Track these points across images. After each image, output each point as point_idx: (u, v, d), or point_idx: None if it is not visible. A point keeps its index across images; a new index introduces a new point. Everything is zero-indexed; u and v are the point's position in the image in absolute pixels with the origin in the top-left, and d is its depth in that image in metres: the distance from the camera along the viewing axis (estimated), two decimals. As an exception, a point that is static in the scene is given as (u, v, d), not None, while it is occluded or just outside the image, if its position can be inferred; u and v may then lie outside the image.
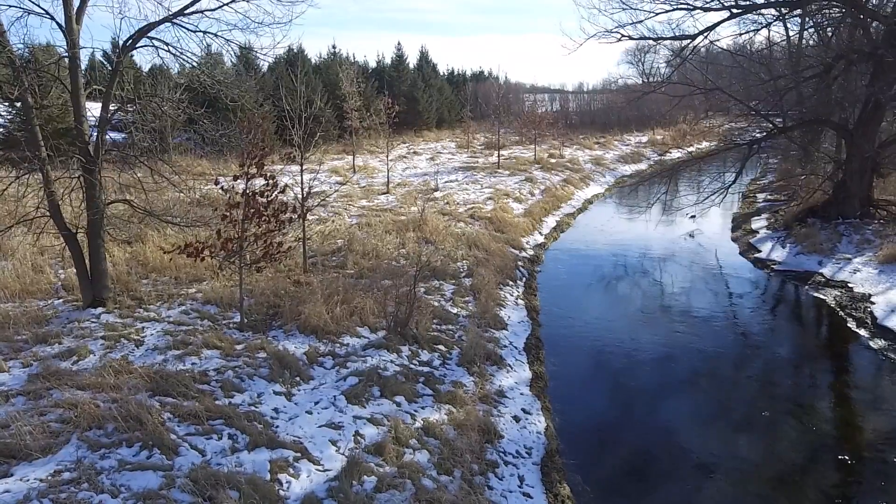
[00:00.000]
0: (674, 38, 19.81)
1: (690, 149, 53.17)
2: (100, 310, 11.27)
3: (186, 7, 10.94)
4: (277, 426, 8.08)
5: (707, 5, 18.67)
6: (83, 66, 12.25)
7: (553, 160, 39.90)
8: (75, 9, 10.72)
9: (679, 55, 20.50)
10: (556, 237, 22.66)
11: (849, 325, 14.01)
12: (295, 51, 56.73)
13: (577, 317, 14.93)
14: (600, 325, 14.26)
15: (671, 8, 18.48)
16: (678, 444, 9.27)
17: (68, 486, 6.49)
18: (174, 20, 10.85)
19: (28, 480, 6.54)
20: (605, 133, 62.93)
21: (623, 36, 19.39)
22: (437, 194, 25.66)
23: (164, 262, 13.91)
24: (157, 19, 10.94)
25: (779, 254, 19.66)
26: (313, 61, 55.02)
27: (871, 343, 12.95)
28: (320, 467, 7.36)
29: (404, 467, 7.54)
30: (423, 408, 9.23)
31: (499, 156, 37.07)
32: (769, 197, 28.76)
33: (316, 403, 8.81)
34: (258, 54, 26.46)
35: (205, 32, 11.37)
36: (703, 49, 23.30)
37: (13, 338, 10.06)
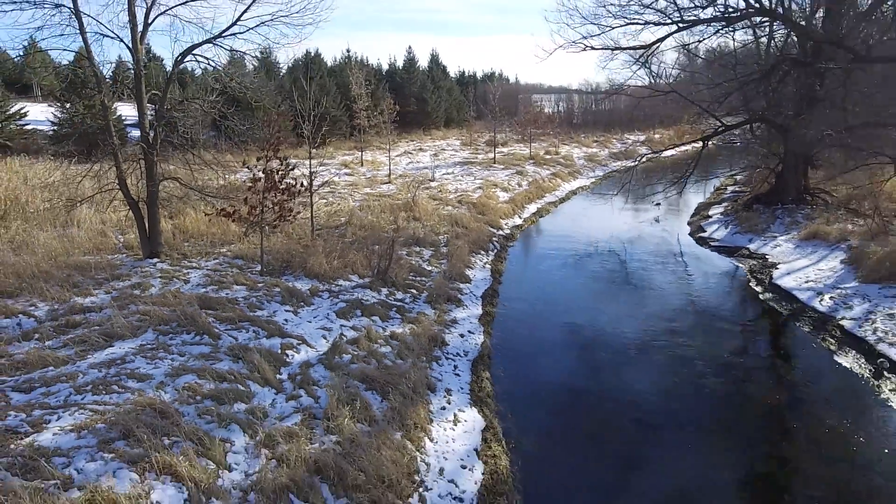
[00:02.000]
0: (631, 48, 23.07)
1: (686, 147, 55.92)
2: (156, 260, 14.90)
3: (223, 32, 14.56)
4: (287, 328, 11.60)
5: (658, 21, 21.89)
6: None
7: (548, 156, 43.17)
8: (139, 33, 14.36)
9: (637, 61, 23.72)
10: (535, 221, 25.99)
11: (750, 284, 17.21)
12: (312, 54, 60.67)
13: (535, 278, 18.30)
14: (553, 283, 17.63)
15: (626, 23, 21.72)
16: (584, 360, 12.60)
17: (151, 351, 10.05)
18: (213, 41, 14.46)
19: (123, 349, 10.10)
20: (607, 132, 65.87)
21: (587, 46, 22.66)
22: (433, 184, 29.11)
23: (201, 230, 17.56)
24: (201, 41, 14.57)
25: (720, 234, 22.83)
26: (329, 63, 58.79)
27: (760, 296, 16.17)
28: (314, 349, 10.87)
29: (372, 353, 11.00)
30: (392, 324, 12.70)
31: (495, 152, 40.35)
32: (735, 188, 31.85)
33: (314, 318, 12.32)
34: (277, 64, 29.87)
35: (234, 50, 14.99)
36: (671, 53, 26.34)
37: (95, 276, 13.71)
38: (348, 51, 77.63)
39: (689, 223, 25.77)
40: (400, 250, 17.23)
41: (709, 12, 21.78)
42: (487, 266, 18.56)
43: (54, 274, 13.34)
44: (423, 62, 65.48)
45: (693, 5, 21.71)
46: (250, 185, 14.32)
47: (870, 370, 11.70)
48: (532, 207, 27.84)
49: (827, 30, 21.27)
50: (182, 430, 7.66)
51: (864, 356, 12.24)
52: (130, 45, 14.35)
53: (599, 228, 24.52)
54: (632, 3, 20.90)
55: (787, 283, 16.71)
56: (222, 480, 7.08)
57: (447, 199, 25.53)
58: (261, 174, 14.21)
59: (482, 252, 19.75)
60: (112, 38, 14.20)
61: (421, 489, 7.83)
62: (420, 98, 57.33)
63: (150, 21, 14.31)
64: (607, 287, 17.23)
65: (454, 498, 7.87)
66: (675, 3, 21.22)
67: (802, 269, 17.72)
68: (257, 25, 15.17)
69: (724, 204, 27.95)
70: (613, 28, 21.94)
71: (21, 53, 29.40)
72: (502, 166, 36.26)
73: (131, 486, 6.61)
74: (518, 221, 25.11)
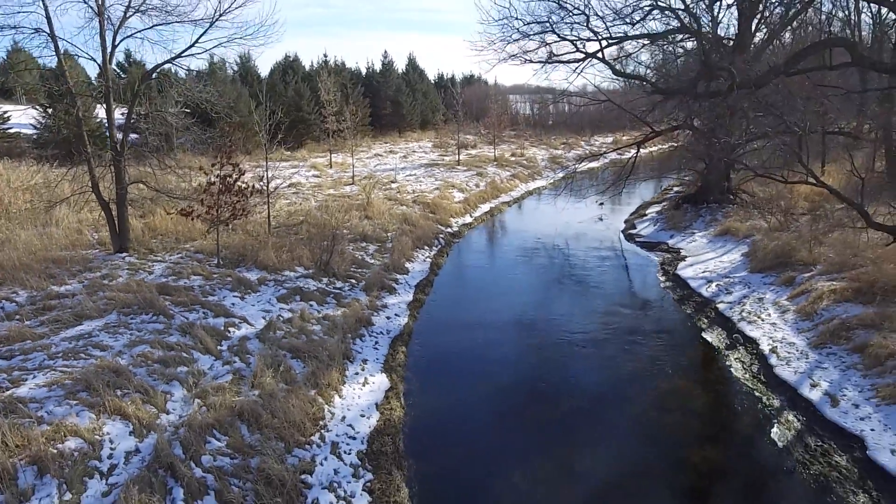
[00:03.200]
0: (567, 61, 25.24)
1: (652, 149, 58.38)
2: (125, 255, 16.86)
3: (181, 53, 16.56)
4: (233, 310, 13.62)
5: (589, 38, 24.07)
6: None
7: (513, 158, 45.38)
8: (109, 54, 16.32)
9: (575, 71, 25.92)
10: (485, 220, 28.14)
11: (657, 274, 19.44)
12: (291, 58, 62.43)
13: (470, 271, 20.43)
14: (485, 275, 19.76)
15: (559, 39, 23.89)
16: (494, 337, 14.71)
17: (114, 328, 12.05)
18: (173, 62, 16.46)
19: (91, 327, 12.09)
20: (577, 134, 68.17)
21: (526, 60, 24.79)
22: (394, 185, 31.17)
23: (169, 228, 19.50)
24: (163, 61, 16.55)
25: (647, 231, 25.08)
26: (308, 66, 60.52)
27: (661, 284, 18.40)
28: (253, 327, 12.93)
29: (303, 330, 13.07)
30: (326, 308, 14.77)
31: (459, 154, 42.45)
32: (679, 189, 34.14)
33: (258, 302, 14.37)
34: (256, 69, 31.60)
35: (190, 70, 16.98)
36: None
37: (71, 268, 15.65)
38: (325, 55, 79.32)
39: (625, 221, 28.00)
40: (346, 245, 19.30)
41: (637, 29, 24.02)
42: (428, 260, 20.65)
43: (34, 267, 15.25)
44: (402, 63, 67.34)
45: (623, 22, 23.93)
46: (205, 188, 16.32)
47: (725, 343, 13.93)
48: (485, 207, 29.97)
49: (739, 45, 23.54)
50: (132, 384, 9.69)
51: (726, 332, 14.47)
52: (101, 65, 16.31)
53: (543, 226, 26.67)
54: (564, 21, 23.04)
55: (686, 273, 18.94)
56: (160, 420, 9.13)
57: (404, 199, 27.59)
58: (214, 179, 16.20)
59: (426, 247, 21.84)
60: (86, 58, 16.15)
61: (323, 430, 9.91)
62: (395, 101, 59.34)
63: (116, 43, 16.25)
64: (534, 278, 19.39)
65: (349, 437, 9.96)
66: (605, 23, 23.43)
67: (706, 261, 19.97)
68: (214, 47, 17.22)
69: (663, 203, 30.22)
70: (549, 44, 24.09)
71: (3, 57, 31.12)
72: (465, 168, 38.39)
73: (89, 422, 8.65)
74: (468, 220, 27.22)
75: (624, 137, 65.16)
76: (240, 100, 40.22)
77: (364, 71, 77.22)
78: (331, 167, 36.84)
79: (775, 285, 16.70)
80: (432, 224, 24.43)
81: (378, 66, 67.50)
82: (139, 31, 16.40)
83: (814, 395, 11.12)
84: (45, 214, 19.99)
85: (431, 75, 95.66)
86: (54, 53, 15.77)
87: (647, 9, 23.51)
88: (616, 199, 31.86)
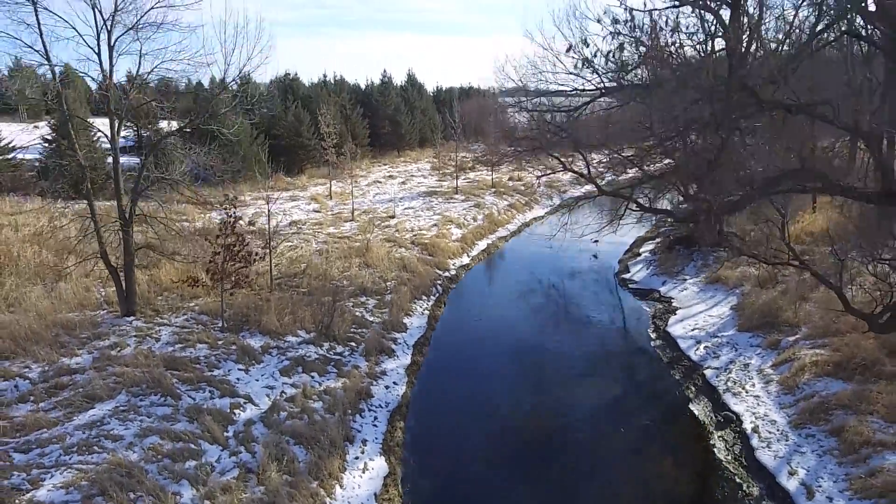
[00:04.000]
0: (560, 110, 25.93)
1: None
2: (132, 318, 17.42)
3: (185, 125, 17.11)
4: (238, 386, 14.20)
5: (584, 88, 24.69)
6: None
7: (511, 183, 45.94)
8: (116, 128, 16.88)
9: (570, 116, 26.58)
10: (482, 259, 28.71)
11: (648, 330, 20.03)
12: (291, 76, 62.94)
13: (467, 322, 21.01)
14: (478, 329, 20.34)
15: (557, 89, 24.51)
16: (488, 412, 15.29)
17: (123, 413, 12.61)
18: (182, 131, 17.02)
19: (102, 411, 12.65)
20: (577, 151, 68.52)
21: (522, 108, 25.40)
22: (393, 221, 31.74)
23: (173, 281, 20.04)
24: (174, 130, 17.10)
25: (640, 274, 25.67)
26: (309, 81, 61.01)
27: (652, 342, 19.01)
28: (258, 407, 13.49)
29: (305, 409, 13.63)
30: (327, 379, 15.34)
31: (457, 179, 42.94)
32: (671, 224, 34.71)
33: (262, 375, 14.94)
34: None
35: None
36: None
37: (80, 335, 16.21)
38: (324, 76, 79.79)
39: (619, 261, 28.57)
40: (346, 301, 19.87)
41: (630, 77, 24.62)
42: (426, 312, 21.21)
43: (44, 335, 15.81)
44: (400, 77, 67.80)
45: (617, 72, 24.52)
46: (211, 258, 16.89)
47: (711, 418, 14.51)
48: (482, 244, 30.53)
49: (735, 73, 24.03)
50: (145, 486, 10.25)
51: (712, 404, 15.06)
52: (109, 136, 16.89)
53: (536, 267, 27.24)
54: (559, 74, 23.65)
55: (676, 330, 19.53)
56: (172, 527, 9.70)
57: (402, 239, 28.15)
58: (219, 249, 16.76)
59: (424, 297, 22.40)
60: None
61: (325, 528, 10.49)
62: (394, 121, 59.90)
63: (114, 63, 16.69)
64: (527, 335, 19.97)
65: (350, 535, 10.54)
66: (598, 74, 24.00)
67: (696, 314, 20.55)
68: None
69: (657, 240, 30.79)
70: (542, 94, 24.70)
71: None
72: (462, 197, 38.94)
73: (105, 533, 9.22)
74: (465, 261, 27.79)
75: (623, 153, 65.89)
76: (240, 130, 40.68)
77: (363, 84, 77.74)
78: (331, 198, 37.38)
79: (761, 348, 17.29)
80: (430, 269, 24.99)
81: (379, 77, 68.14)
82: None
83: (791, 485, 11.70)
84: (54, 270, 20.66)
85: (430, 86, 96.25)
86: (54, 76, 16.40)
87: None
88: (613, 232, 32.38)
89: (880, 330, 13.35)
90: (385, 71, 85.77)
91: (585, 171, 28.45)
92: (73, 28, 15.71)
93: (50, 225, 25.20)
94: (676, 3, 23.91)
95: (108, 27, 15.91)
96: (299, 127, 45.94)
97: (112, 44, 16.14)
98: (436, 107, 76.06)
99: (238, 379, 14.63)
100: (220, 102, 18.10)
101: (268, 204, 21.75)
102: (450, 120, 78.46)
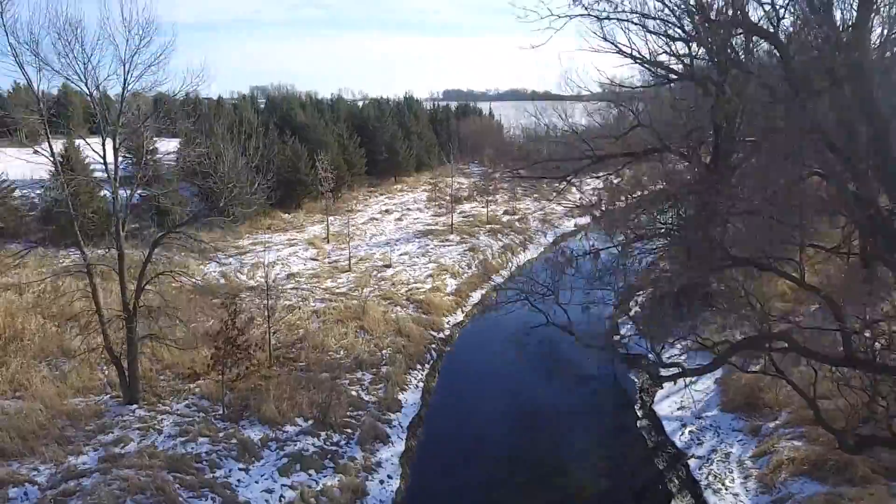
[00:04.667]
0: (554, 177, 26.73)
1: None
2: (135, 407, 18.01)
3: (182, 224, 17.69)
4: (238, 491, 14.81)
5: (579, 157, 25.39)
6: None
7: (506, 217, 46.60)
8: (122, 221, 17.46)
9: (567, 182, 27.33)
10: (475, 313, 29.33)
11: (636, 407, 20.69)
12: (290, 103, 63.42)
13: (459, 395, 21.65)
14: (471, 400, 20.99)
15: (549, 159, 25.22)
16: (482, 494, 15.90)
17: (129, 528, 13.21)
18: (175, 232, 17.61)
19: (109, 524, 13.25)
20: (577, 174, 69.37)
21: (517, 176, 26.05)
22: (389, 272, 32.34)
23: (175, 361, 20.63)
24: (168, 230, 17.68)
25: (630, 335, 26.26)
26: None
27: (638, 423, 19.67)
28: (257, 517, 14.11)
29: (303, 516, 14.25)
30: (324, 476, 15.96)
31: (452, 215, 43.46)
32: (663, 267, 35.35)
33: (262, 476, 15.55)
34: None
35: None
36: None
37: (85, 428, 16.80)
38: (319, 101, 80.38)
39: (612, 315, 29.17)
40: (343, 379, 20.52)
41: (618, 148, 25.33)
42: (420, 384, 21.84)
43: (51, 429, 16.42)
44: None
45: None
46: (212, 353, 17.50)
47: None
48: (476, 296, 31.15)
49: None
50: None
51: (694, 502, 15.72)
52: (115, 228, 17.49)
53: (527, 323, 27.76)
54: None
55: (663, 408, 20.20)
56: None
57: (398, 296, 28.74)
58: (220, 345, 17.37)
59: (419, 365, 23.03)
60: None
61: None
62: (391, 149, 60.45)
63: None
64: (515, 406, 20.67)
65: None
66: (590, 146, 24.71)
67: (682, 389, 21.18)
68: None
69: (648, 290, 31.39)
70: (537, 162, 25.46)
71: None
72: (457, 238, 39.54)
73: None
74: (459, 317, 28.41)
75: (616, 180, 66.57)
76: (233, 165, 41.12)
77: (361, 102, 78.29)
78: (328, 241, 37.94)
79: (743, 433, 17.98)
80: (424, 331, 25.59)
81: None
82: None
83: None
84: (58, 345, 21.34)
85: (426, 91, 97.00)
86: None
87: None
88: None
89: (850, 450, 13.98)
90: (381, 97, 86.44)
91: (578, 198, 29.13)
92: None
93: (52, 285, 25.88)
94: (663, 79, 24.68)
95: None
96: (297, 163, 46.45)
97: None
98: (432, 127, 76.82)
99: (239, 481, 15.23)
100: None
101: (267, 290, 22.07)
102: (446, 140, 79.61)
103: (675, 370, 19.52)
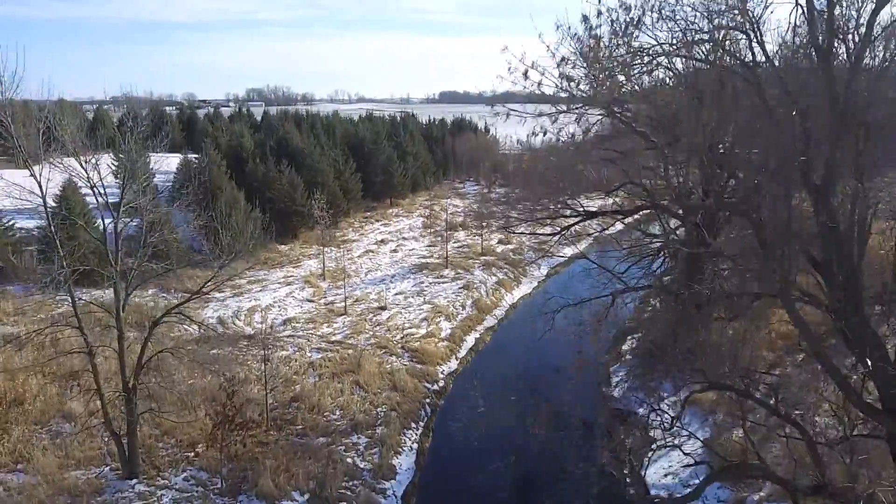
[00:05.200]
0: (547, 234, 27.13)
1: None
2: (134, 481, 18.41)
3: (186, 300, 18.13)
4: (236, 579, 15.25)
5: (570, 214, 25.84)
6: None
7: (500, 248, 47.07)
8: (122, 303, 17.86)
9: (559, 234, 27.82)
10: (468, 360, 29.80)
11: (625, 471, 21.18)
12: (286, 129, 63.79)
13: (452, 455, 22.12)
14: (464, 461, 21.46)
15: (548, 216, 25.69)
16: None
17: None
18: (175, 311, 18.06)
19: None
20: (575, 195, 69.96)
21: (513, 231, 26.50)
22: (384, 315, 32.77)
23: (173, 426, 21.03)
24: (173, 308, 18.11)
25: (620, 389, 26.82)
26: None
27: (629, 489, 20.16)
28: None
29: None
30: (320, 559, 16.41)
31: (447, 245, 43.86)
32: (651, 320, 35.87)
33: (259, 560, 16.00)
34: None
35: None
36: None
37: (86, 506, 17.23)
38: (314, 113, 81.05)
39: (603, 362, 29.67)
40: (339, 444, 20.97)
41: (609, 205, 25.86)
42: (415, 446, 22.29)
43: (53, 510, 16.84)
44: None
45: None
46: (211, 430, 17.94)
47: None
48: (470, 340, 31.62)
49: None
50: None
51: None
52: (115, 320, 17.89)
53: (519, 370, 28.29)
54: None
55: (651, 475, 20.73)
56: None
57: (393, 343, 29.17)
58: (218, 423, 17.81)
59: (413, 424, 23.49)
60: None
61: None
62: (387, 171, 60.89)
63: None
64: (506, 470, 21.10)
65: None
66: (581, 205, 25.24)
67: (671, 451, 21.68)
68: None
69: (639, 334, 31.91)
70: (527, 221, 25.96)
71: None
72: (452, 274, 40.01)
73: None
74: (453, 365, 28.87)
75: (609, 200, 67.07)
76: (229, 198, 41.42)
77: (357, 115, 78.46)
78: (324, 278, 38.34)
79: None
80: (419, 384, 26.06)
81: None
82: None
83: None
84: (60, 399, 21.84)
85: (422, 119, 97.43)
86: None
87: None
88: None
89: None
90: (371, 113, 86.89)
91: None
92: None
93: (52, 338, 26.22)
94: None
95: None
96: (293, 193, 46.81)
97: None
98: (427, 144, 77.24)
99: (237, 567, 15.67)
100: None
101: (265, 362, 22.38)
102: (441, 158, 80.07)
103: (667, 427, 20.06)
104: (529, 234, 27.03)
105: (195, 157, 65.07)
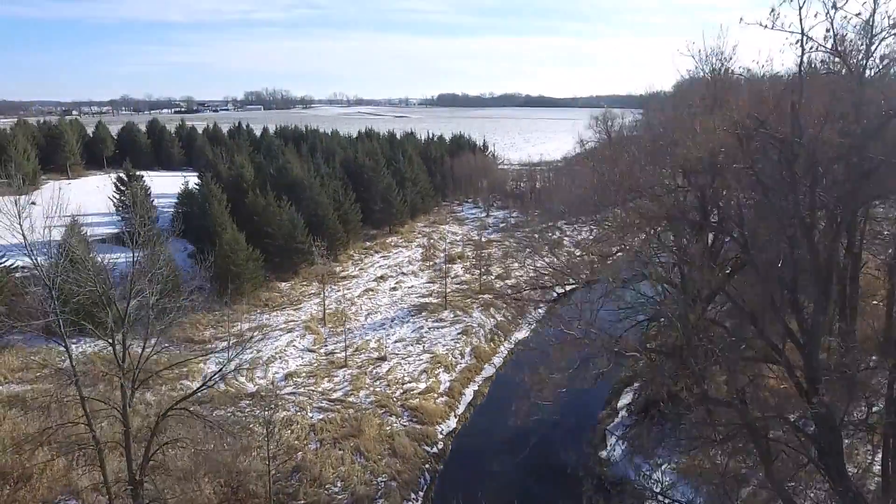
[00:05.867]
0: (545, 301, 27.55)
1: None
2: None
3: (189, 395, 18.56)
4: None
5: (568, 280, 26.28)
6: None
7: (499, 284, 47.56)
8: (129, 400, 18.31)
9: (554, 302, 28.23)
10: (467, 417, 30.29)
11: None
12: (285, 160, 64.10)
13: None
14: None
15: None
16: None
17: None
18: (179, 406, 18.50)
19: None
20: (570, 218, 70.57)
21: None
22: (384, 367, 33.21)
23: (179, 504, 21.50)
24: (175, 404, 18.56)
25: (616, 452, 27.32)
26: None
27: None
28: None
29: None
30: None
31: (446, 282, 44.30)
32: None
33: None
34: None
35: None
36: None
37: None
38: (314, 130, 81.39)
39: (598, 419, 30.18)
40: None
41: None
42: (413, 522, 22.80)
43: None
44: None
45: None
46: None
47: None
48: (469, 393, 32.11)
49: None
50: None
51: None
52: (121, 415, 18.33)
53: (516, 427, 28.68)
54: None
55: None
56: None
57: (392, 401, 29.63)
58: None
59: (413, 495, 23.99)
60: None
61: None
62: (386, 199, 61.34)
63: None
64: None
65: None
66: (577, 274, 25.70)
67: (665, 525, 22.21)
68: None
69: (635, 390, 32.39)
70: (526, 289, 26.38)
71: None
72: (451, 316, 40.49)
73: None
74: (452, 424, 29.35)
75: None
76: (231, 240, 41.78)
77: (355, 134, 78.72)
78: (324, 323, 38.74)
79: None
80: (418, 447, 26.54)
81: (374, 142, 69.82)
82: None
83: None
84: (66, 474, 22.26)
85: (420, 136, 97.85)
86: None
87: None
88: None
89: None
90: (369, 132, 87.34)
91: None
92: None
93: (58, 403, 26.58)
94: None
95: None
96: (293, 231, 47.21)
97: None
98: (426, 167, 77.70)
99: None
100: None
101: (267, 443, 22.74)
102: (440, 182, 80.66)
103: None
104: (537, 300, 27.34)
105: (196, 186, 65.78)
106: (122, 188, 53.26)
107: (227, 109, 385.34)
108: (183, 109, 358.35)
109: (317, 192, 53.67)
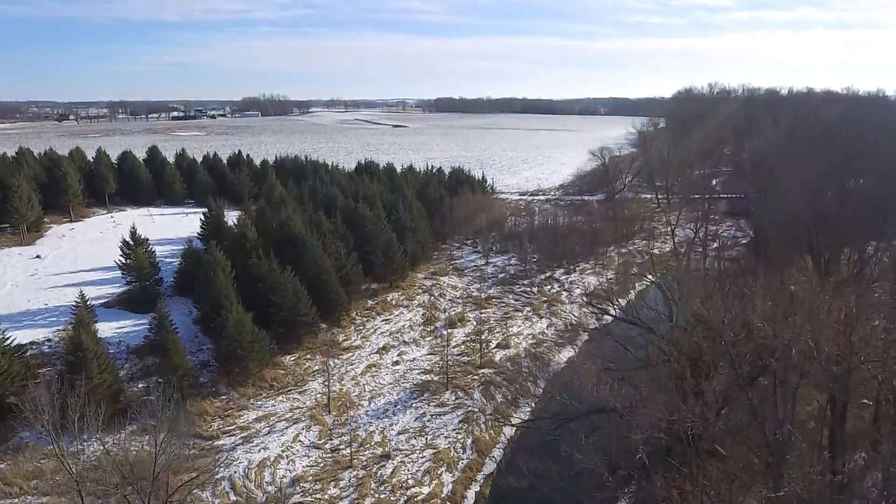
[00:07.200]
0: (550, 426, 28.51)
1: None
2: None
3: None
4: None
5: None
6: None
7: (499, 355, 48.49)
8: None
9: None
10: (469, 528, 31.28)
11: None
12: (287, 216, 64.85)
13: None
14: None
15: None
16: None
17: None
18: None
19: None
20: (571, 261, 72.03)
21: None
22: (389, 466, 34.12)
23: None
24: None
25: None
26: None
27: None
28: None
29: None
30: None
31: (447, 364, 45.16)
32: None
33: None
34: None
35: None
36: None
37: None
38: (316, 163, 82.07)
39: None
40: None
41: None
42: None
43: None
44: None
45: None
46: None
47: None
48: (470, 496, 33.02)
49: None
50: None
51: None
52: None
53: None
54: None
55: None
56: None
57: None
58: None
59: None
60: None
61: None
62: (387, 255, 62.15)
63: None
64: None
65: None
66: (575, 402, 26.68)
67: None
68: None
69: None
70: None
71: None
72: (453, 400, 41.43)
73: None
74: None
75: (609, 272, 68.40)
76: (236, 322, 42.59)
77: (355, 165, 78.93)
78: (329, 411, 39.53)
79: None
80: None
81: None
82: None
83: None
84: None
85: (420, 168, 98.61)
86: None
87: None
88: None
89: None
90: (368, 161, 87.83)
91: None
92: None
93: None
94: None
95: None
96: (297, 303, 48.00)
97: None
98: (425, 209, 78.53)
99: None
100: None
101: None
102: (440, 224, 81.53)
103: None
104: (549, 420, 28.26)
105: (198, 237, 66.44)
106: (128, 252, 53.96)
107: (225, 115, 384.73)
108: (181, 116, 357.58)
109: (319, 255, 54.43)
